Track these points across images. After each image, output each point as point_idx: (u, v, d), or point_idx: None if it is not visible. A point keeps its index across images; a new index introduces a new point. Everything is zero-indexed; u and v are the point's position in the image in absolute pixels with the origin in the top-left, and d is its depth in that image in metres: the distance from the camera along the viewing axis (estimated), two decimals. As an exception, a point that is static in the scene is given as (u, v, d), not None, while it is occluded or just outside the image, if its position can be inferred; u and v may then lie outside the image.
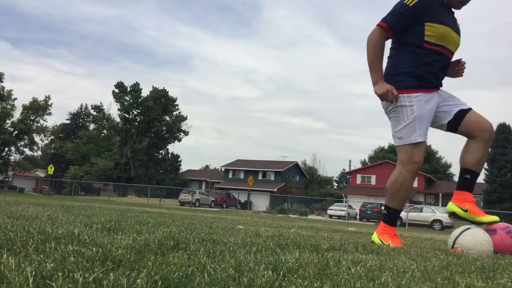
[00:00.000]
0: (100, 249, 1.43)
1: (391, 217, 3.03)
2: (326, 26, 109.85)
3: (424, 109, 2.90)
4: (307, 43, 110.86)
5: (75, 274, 0.98)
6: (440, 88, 3.07)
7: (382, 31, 2.92)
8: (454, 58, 3.13)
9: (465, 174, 3.02)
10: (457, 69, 3.18)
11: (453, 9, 3.06)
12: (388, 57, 3.10)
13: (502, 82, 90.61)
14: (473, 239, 2.69)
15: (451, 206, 3.03)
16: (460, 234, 2.78)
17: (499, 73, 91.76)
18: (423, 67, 2.91)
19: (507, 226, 2.92)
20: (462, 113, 2.99)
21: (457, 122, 2.99)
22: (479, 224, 2.94)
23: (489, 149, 3.04)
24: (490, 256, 2.54)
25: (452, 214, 3.03)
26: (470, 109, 3.04)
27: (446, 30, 2.91)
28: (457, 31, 3.02)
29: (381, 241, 2.99)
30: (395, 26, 2.92)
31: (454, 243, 2.79)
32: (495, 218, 2.95)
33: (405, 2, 2.90)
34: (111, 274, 1.02)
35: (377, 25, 2.96)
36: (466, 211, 2.96)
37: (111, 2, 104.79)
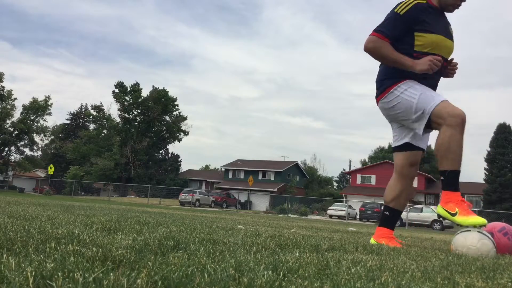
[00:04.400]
0: (100, 249, 1.43)
1: (450, 181, 2.75)
2: (326, 26, 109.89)
3: (423, 85, 2.90)
4: (307, 43, 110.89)
5: (75, 274, 0.98)
6: None
7: (379, 39, 2.92)
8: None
9: (384, 211, 3.15)
10: (448, 69, 3.14)
11: (446, 13, 3.05)
12: (380, 65, 3.11)
13: (501, 82, 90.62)
14: (464, 241, 2.67)
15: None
16: (459, 232, 2.78)
17: (499, 73, 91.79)
18: (412, 76, 2.92)
19: (503, 227, 2.91)
20: None
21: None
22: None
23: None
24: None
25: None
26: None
27: (436, 39, 2.90)
28: (450, 37, 3.01)
29: (447, 211, 2.76)
30: (390, 35, 2.90)
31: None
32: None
33: (395, 10, 2.90)
34: (111, 274, 1.02)
35: (371, 35, 2.95)
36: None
37: (111, 2, 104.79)
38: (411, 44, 2.90)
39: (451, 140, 2.69)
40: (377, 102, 3.10)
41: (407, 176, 3.12)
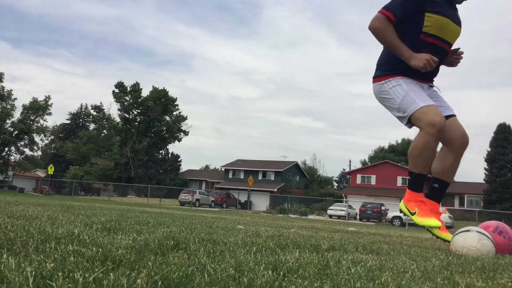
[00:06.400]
0: (100, 249, 1.43)
1: (416, 183, 2.93)
2: (326, 26, 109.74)
3: (412, 85, 2.89)
4: (307, 43, 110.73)
5: (75, 274, 0.98)
6: (431, 84, 3.05)
7: (386, 18, 2.84)
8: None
9: (433, 183, 3.01)
10: (453, 58, 3.12)
11: (456, 4, 3.02)
12: (384, 48, 3.04)
13: (502, 82, 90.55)
14: (463, 241, 2.67)
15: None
16: (457, 233, 2.78)
17: (499, 73, 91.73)
18: (405, 71, 2.89)
19: (496, 226, 2.91)
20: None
21: None
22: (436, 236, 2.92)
23: (460, 160, 3.04)
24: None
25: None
26: (452, 115, 3.01)
27: (445, 21, 2.86)
28: (457, 22, 2.97)
29: (408, 209, 2.95)
30: (398, 14, 2.83)
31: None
32: (449, 237, 2.85)
33: None
34: (111, 274, 1.02)
35: (379, 12, 2.87)
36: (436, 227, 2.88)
37: (111, 2, 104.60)
38: (420, 24, 2.85)
39: (425, 147, 2.79)
40: (372, 81, 3.10)
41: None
